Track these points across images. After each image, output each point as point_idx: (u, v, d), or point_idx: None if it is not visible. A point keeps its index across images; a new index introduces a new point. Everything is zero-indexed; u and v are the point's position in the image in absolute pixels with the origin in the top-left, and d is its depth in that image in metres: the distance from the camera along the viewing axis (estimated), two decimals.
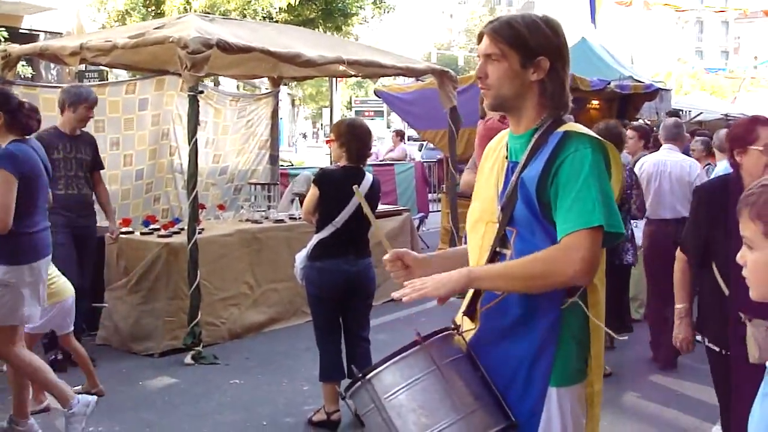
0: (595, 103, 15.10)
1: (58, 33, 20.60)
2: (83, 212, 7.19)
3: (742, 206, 1.90)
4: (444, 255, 3.15)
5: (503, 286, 2.61)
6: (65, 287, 6.14)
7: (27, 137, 5.38)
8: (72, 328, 6.28)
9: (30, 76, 17.95)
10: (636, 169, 7.48)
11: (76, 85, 8.89)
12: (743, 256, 1.89)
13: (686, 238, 4.35)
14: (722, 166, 7.72)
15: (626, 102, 15.28)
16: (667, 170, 7.54)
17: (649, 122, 14.97)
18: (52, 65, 18.30)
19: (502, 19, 2.75)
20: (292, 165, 21.84)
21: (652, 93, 15.59)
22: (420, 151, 24.71)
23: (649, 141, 8.71)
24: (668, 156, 7.67)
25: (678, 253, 4.38)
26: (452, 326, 2.74)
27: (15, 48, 9.11)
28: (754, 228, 1.85)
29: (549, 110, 2.71)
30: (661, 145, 7.93)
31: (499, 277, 2.59)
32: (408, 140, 20.32)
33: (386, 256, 2.85)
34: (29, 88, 9.41)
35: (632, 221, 7.31)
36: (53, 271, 5.98)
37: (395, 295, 2.68)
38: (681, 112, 19.18)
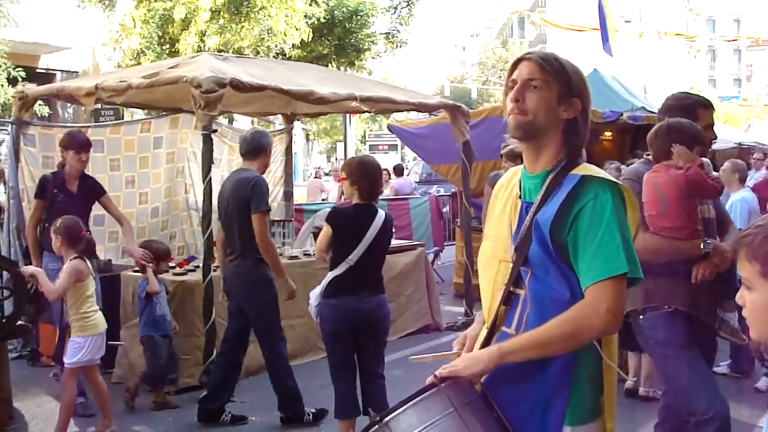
0: (607, 134, 15.10)
1: (75, 72, 20.87)
2: None
3: (739, 246, 1.91)
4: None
5: (536, 354, 2.58)
6: (101, 321, 6.33)
7: None
8: (98, 362, 6.42)
9: (47, 115, 18.13)
10: None
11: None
12: (742, 296, 1.90)
13: None
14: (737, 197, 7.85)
15: (639, 133, 15.25)
16: None
17: None
18: (69, 104, 18.46)
19: (547, 52, 2.81)
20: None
21: None
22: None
23: None
24: None
25: None
26: None
27: (32, 89, 9.25)
28: (750, 268, 1.86)
29: (567, 150, 2.73)
30: None
31: (529, 348, 2.58)
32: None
33: (456, 344, 3.04)
34: (46, 128, 9.52)
35: None
36: (92, 304, 6.25)
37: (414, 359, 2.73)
38: None
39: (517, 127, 2.73)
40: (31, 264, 7.21)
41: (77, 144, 7.35)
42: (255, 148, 6.79)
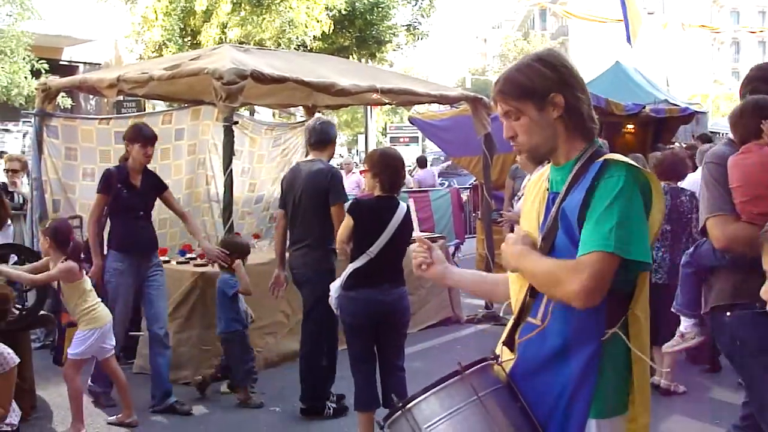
0: (630, 127, 15.02)
1: (97, 64, 20.97)
2: None
3: (762, 240, 1.89)
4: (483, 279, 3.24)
5: (528, 275, 2.69)
6: (105, 313, 6.31)
7: None
8: (112, 352, 6.41)
9: (70, 107, 18.23)
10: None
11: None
12: (766, 290, 1.89)
13: None
14: None
15: (661, 126, 15.19)
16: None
17: (684, 145, 14.86)
18: (91, 96, 18.55)
19: (501, 77, 2.80)
20: None
21: (688, 116, 15.48)
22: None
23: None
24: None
25: None
26: (491, 356, 2.74)
27: (54, 81, 9.29)
28: None
29: (582, 137, 2.72)
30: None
31: (531, 267, 2.66)
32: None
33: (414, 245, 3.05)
34: (69, 119, 9.57)
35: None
36: (94, 297, 6.23)
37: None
38: (717, 135, 19.03)
39: (528, 160, 2.83)
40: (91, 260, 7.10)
41: (143, 137, 7.01)
42: (324, 138, 6.87)
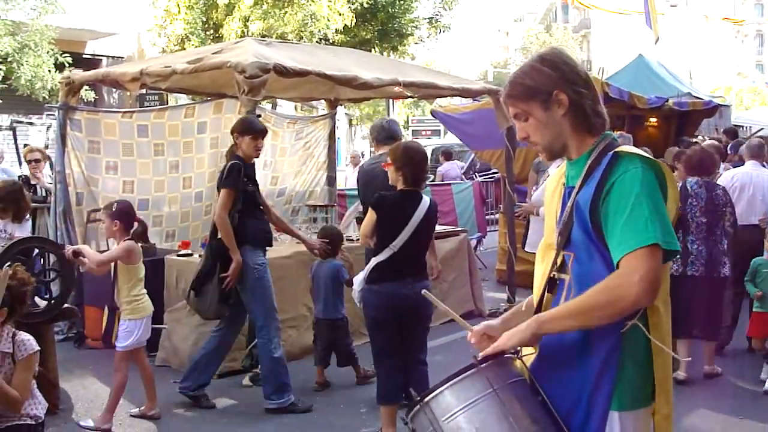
0: (653, 120, 14.96)
1: (120, 57, 21.02)
2: None
3: None
4: (517, 310, 3.08)
5: (571, 324, 2.59)
6: (149, 303, 6.43)
7: None
8: (145, 344, 6.50)
9: (93, 100, 18.31)
10: (725, 181, 8.26)
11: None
12: None
13: None
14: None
15: (685, 119, 15.10)
16: (760, 182, 8.60)
17: (707, 138, 14.76)
18: (114, 89, 18.63)
19: (508, 81, 2.84)
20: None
21: (711, 109, 15.39)
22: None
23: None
24: (756, 170, 8.83)
25: None
26: (512, 350, 2.73)
27: (78, 75, 9.32)
28: None
29: (589, 132, 2.75)
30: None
31: (565, 317, 2.58)
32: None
33: (470, 338, 2.90)
34: (92, 113, 9.61)
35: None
36: (142, 287, 6.35)
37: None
38: (741, 128, 18.89)
39: (545, 157, 2.89)
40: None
41: (254, 130, 6.75)
42: (391, 135, 7.15)
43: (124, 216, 6.34)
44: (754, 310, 7.73)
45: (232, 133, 6.85)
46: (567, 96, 2.71)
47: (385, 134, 7.14)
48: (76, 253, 6.17)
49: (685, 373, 7.09)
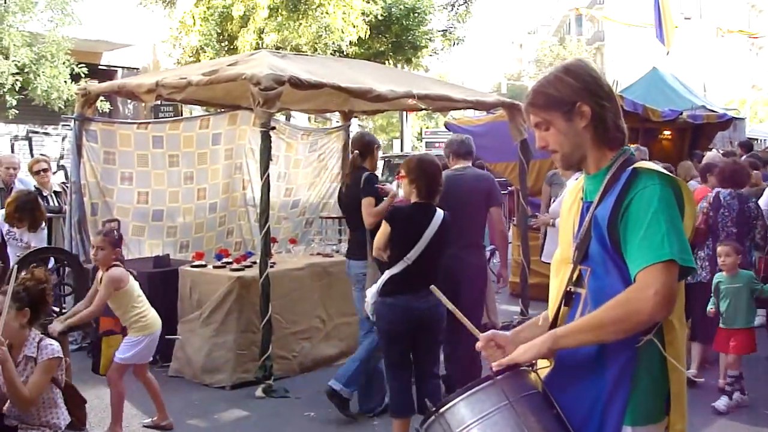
0: (666, 133, 14.93)
1: (135, 68, 21.16)
2: None
3: None
4: (532, 323, 3.08)
5: (588, 338, 2.59)
6: (156, 320, 6.32)
7: None
8: (150, 359, 6.45)
9: (108, 111, 18.41)
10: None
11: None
12: None
13: None
14: None
15: (698, 132, 15.07)
16: None
17: (722, 152, 14.73)
18: (129, 101, 18.74)
19: (531, 90, 2.86)
20: None
21: (726, 122, 15.35)
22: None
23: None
24: None
25: None
26: (527, 363, 2.74)
27: (94, 86, 9.41)
28: None
29: (609, 147, 2.76)
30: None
31: (581, 331, 2.59)
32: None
33: (478, 344, 2.90)
34: (107, 124, 9.67)
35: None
36: (145, 303, 6.21)
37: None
38: (756, 141, 18.83)
39: (562, 167, 2.89)
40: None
41: (376, 142, 7.45)
42: (470, 150, 7.50)
43: (113, 239, 6.26)
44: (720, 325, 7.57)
45: (351, 146, 7.53)
46: (590, 108, 2.72)
47: (465, 149, 7.43)
48: (64, 333, 5.91)
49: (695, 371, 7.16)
